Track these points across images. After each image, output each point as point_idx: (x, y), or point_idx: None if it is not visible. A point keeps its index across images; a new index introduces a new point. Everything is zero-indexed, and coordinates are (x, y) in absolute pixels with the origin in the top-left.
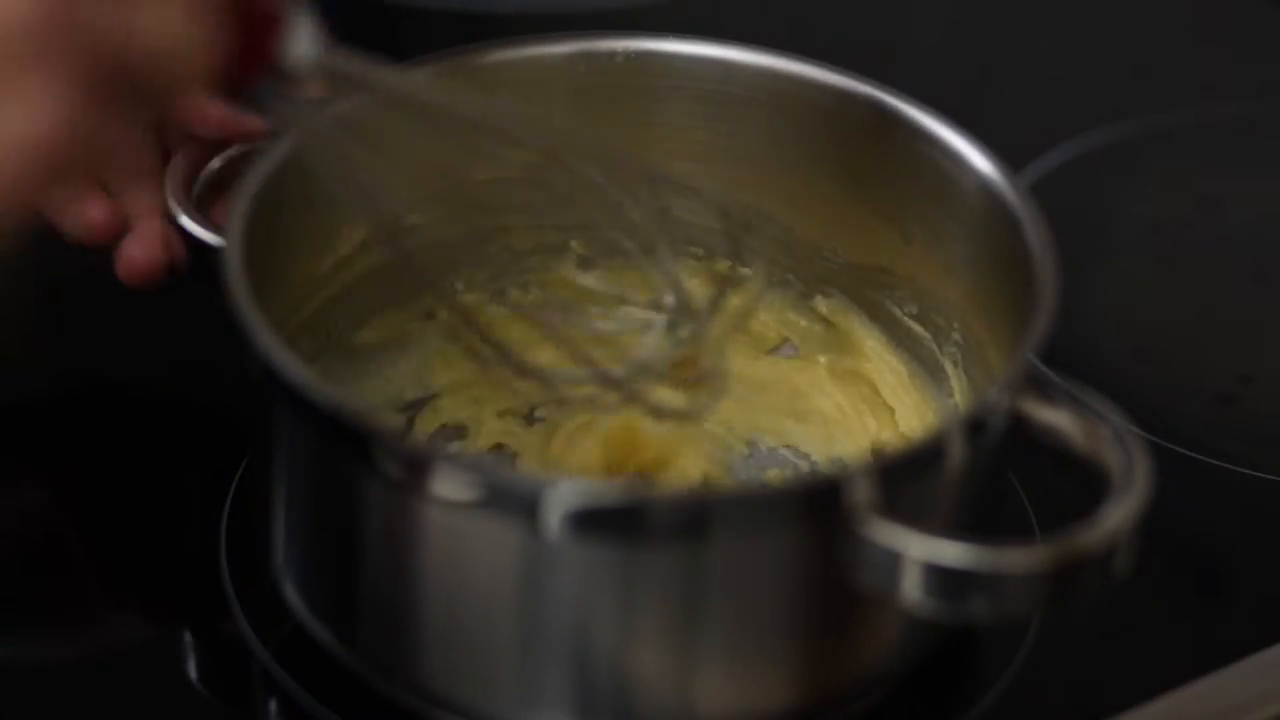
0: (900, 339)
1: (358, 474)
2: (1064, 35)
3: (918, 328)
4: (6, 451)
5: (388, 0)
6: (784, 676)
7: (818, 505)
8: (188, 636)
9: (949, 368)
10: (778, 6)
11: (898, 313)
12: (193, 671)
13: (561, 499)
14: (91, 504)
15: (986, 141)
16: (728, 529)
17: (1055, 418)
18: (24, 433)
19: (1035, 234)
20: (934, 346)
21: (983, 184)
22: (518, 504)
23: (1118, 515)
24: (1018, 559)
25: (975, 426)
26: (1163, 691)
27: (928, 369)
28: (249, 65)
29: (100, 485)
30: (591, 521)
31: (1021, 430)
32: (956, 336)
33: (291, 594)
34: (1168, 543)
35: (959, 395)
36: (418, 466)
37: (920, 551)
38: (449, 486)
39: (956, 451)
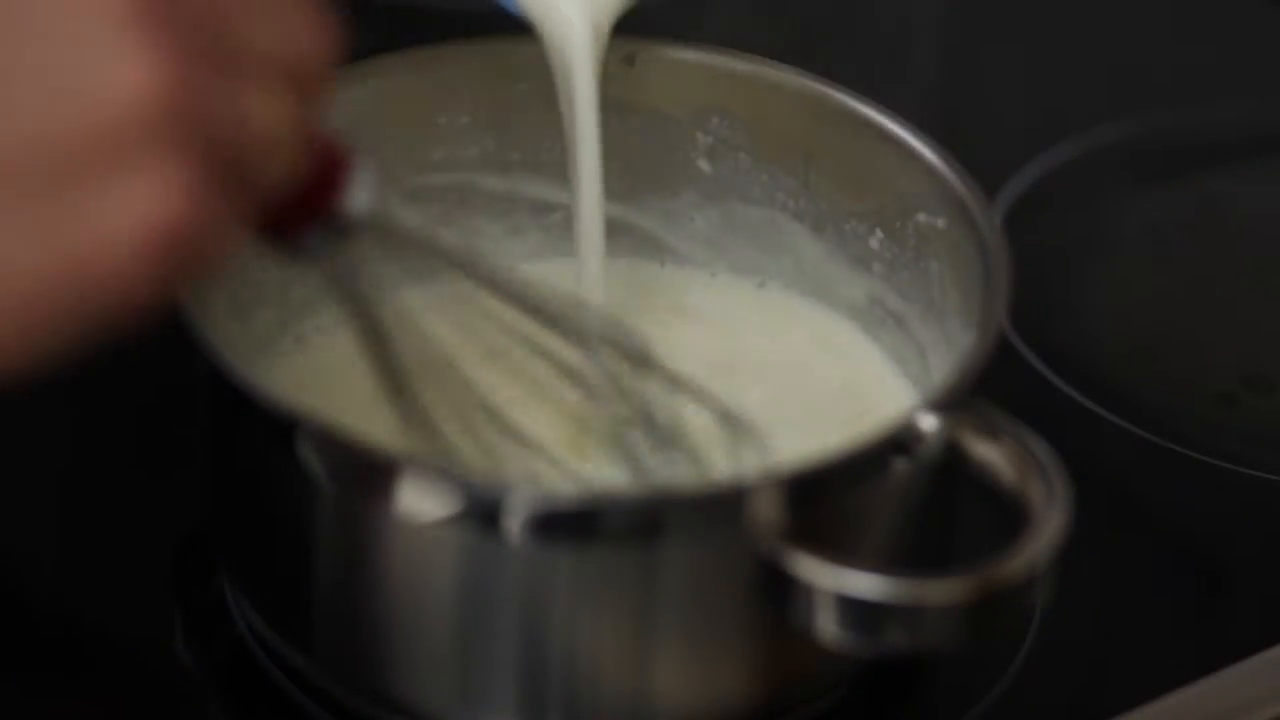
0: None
1: (311, 478)
2: (1063, 34)
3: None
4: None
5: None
6: (740, 674)
7: (718, 521)
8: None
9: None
10: (764, 9)
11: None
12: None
13: (523, 503)
14: (89, 503)
15: (986, 141)
16: (678, 531)
17: (989, 452)
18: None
19: (995, 256)
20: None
21: (949, 198)
22: (478, 509)
23: (1035, 545)
24: (937, 590)
25: (896, 448)
26: (1163, 691)
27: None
28: (308, 210)
29: (93, 485)
30: (551, 525)
31: (958, 464)
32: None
33: (243, 601)
34: (1168, 543)
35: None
36: (374, 471)
37: (831, 582)
38: (408, 492)
39: (875, 474)
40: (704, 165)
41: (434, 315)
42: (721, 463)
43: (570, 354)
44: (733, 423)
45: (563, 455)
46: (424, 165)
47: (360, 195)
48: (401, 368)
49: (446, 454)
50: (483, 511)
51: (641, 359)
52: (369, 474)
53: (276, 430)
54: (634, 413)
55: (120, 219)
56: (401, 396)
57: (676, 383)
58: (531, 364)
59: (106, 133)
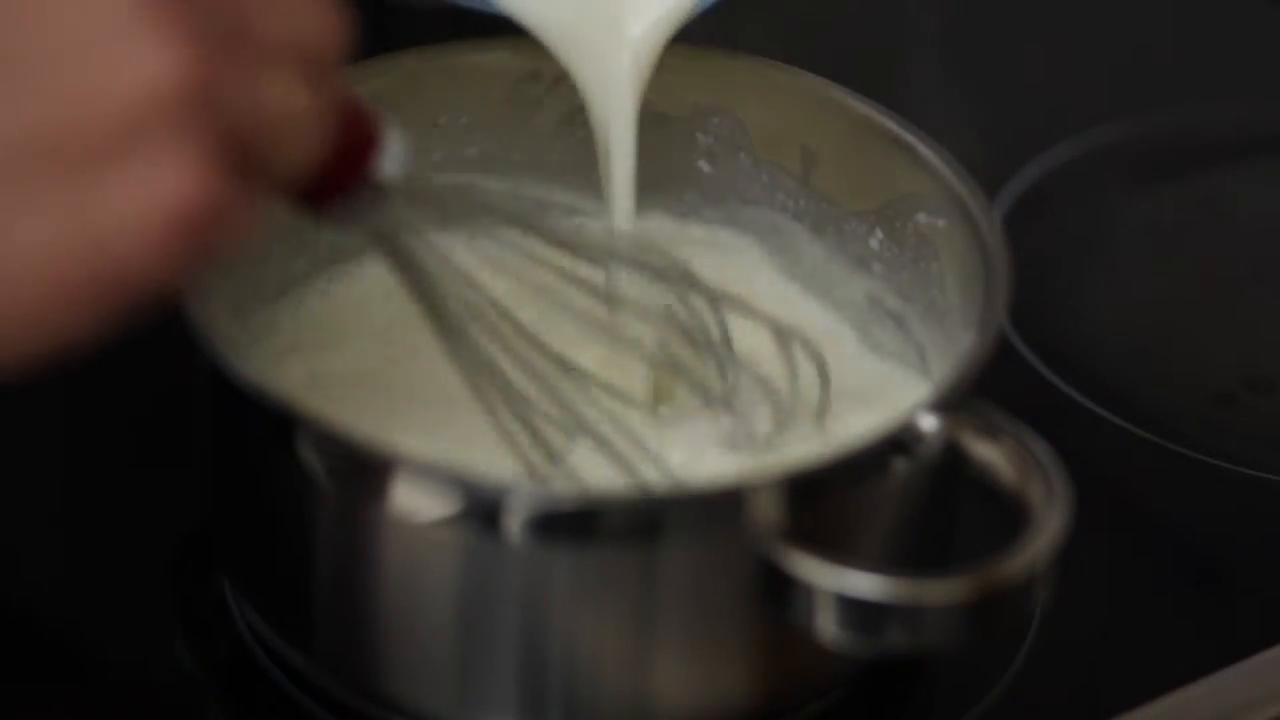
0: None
1: (311, 478)
2: (1063, 34)
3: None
4: None
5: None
6: (740, 675)
7: (718, 521)
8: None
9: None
10: (765, 9)
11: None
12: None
13: (523, 503)
14: (88, 503)
15: (986, 141)
16: (678, 531)
17: (989, 452)
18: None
19: (995, 257)
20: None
21: (949, 198)
22: (478, 509)
23: (1035, 545)
24: (937, 590)
25: (896, 447)
26: (1163, 691)
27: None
28: (340, 181)
29: (93, 486)
30: (551, 525)
31: (958, 464)
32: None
33: (243, 601)
34: (1168, 543)
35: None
36: (374, 471)
37: (831, 582)
38: (407, 492)
39: (875, 474)
40: (704, 165)
41: (479, 262)
42: (781, 380)
43: (616, 286)
44: (788, 337)
45: (622, 389)
46: (424, 165)
47: (392, 158)
48: (452, 314)
49: (508, 397)
50: (483, 511)
51: (689, 281)
52: (369, 474)
53: (276, 430)
54: (690, 340)
55: (138, 202)
56: (458, 343)
57: (727, 304)
58: (580, 301)
59: (124, 117)
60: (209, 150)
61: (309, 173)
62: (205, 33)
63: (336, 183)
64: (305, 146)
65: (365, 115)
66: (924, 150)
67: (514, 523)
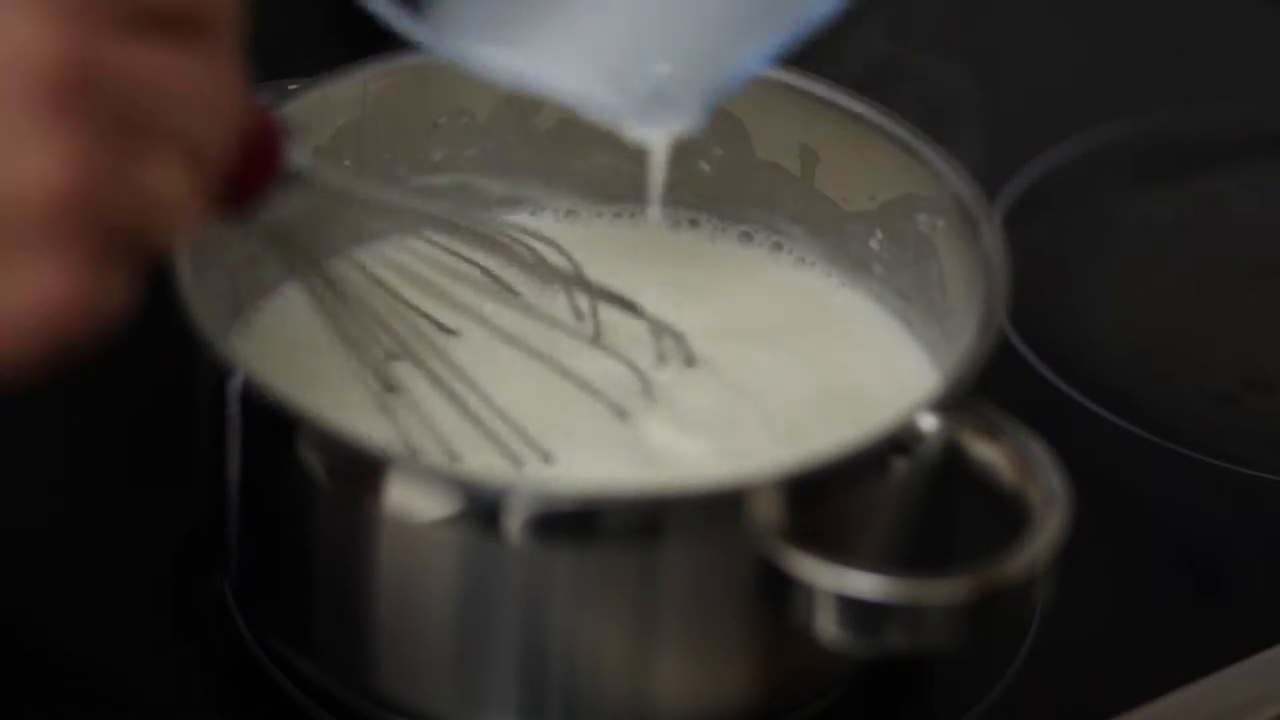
0: None
1: (311, 478)
2: (1063, 34)
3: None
4: None
5: None
6: (740, 674)
7: (718, 521)
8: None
9: None
10: None
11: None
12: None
13: (523, 503)
14: (88, 504)
15: (986, 141)
16: (678, 531)
17: (989, 452)
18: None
19: (995, 257)
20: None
21: (949, 198)
22: (478, 509)
23: (1035, 545)
24: (937, 590)
25: (896, 447)
26: (1163, 691)
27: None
28: (254, 183)
29: (93, 486)
30: (551, 525)
31: (958, 464)
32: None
33: (243, 601)
34: (1168, 543)
35: None
36: (374, 471)
37: (831, 582)
38: (407, 492)
39: (875, 474)
40: (704, 166)
41: (385, 271)
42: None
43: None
44: (666, 334)
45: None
46: (424, 165)
47: (298, 157)
48: (356, 322)
49: (400, 398)
50: (483, 511)
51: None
52: (369, 474)
53: (276, 430)
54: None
55: (17, 301)
56: (357, 349)
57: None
58: (486, 310)
59: (9, 219)
60: (88, 253)
61: (175, 249)
62: (99, 127)
63: (247, 184)
64: (180, 229)
65: (266, 116)
66: (924, 150)
67: (514, 523)
